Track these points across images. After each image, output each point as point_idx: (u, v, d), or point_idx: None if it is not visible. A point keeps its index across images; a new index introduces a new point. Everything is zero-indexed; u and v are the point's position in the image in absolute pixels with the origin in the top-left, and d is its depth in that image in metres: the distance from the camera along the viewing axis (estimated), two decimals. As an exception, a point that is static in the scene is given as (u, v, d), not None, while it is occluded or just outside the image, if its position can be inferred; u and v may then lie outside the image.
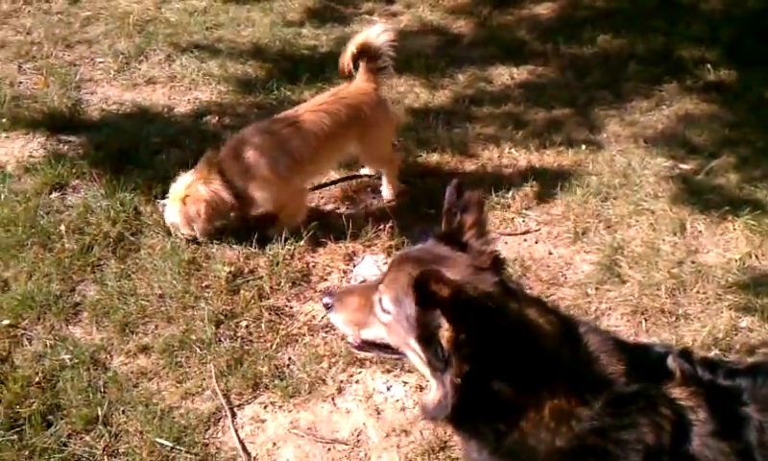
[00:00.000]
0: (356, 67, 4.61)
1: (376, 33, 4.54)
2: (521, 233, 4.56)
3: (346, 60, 4.56)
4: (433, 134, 5.43)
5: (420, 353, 2.11)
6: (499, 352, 2.01)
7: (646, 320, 3.91)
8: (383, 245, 4.33)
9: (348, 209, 4.78)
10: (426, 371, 2.14)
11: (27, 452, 3.25)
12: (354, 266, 4.24)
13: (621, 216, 4.61)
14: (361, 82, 4.63)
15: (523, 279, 4.16)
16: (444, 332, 1.97)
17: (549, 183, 4.91)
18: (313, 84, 5.96)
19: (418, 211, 4.66)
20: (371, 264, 4.20)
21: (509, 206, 4.73)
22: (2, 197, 4.72)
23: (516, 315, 2.09)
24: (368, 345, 2.39)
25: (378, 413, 3.39)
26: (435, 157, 5.17)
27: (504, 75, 6.29)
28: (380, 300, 2.24)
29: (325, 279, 4.17)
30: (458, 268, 2.14)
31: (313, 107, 4.53)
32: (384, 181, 4.83)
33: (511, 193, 4.82)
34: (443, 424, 2.63)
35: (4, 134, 5.38)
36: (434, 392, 2.12)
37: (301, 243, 4.32)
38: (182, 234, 4.36)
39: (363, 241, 4.37)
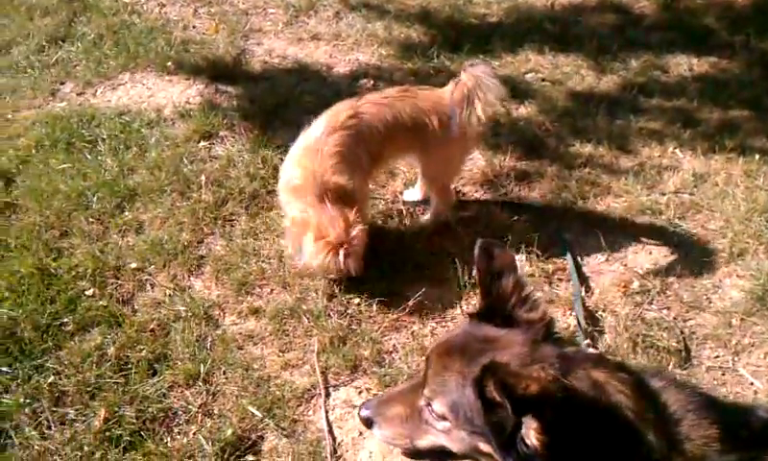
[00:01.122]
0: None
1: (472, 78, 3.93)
2: (670, 245, 4.18)
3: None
4: (592, 123, 5.10)
5: (497, 456, 1.88)
6: (580, 436, 1.75)
7: (792, 365, 3.49)
8: (516, 238, 4.11)
9: (480, 193, 4.58)
10: None
11: (128, 397, 3.36)
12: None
13: (786, 241, 4.13)
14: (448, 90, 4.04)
15: (661, 298, 3.82)
16: (532, 434, 1.73)
17: (710, 193, 4.47)
18: (474, 54, 5.73)
19: (563, 205, 4.39)
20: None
21: (660, 213, 4.35)
22: (152, 140, 4.89)
23: (588, 388, 1.80)
24: (423, 453, 2.17)
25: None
26: (588, 149, 4.84)
27: (682, 65, 5.78)
28: (430, 407, 2.00)
29: (446, 268, 4.01)
30: (512, 349, 1.88)
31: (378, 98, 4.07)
32: (431, 202, 4.31)
33: (666, 199, 4.43)
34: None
35: (167, 77, 5.57)
36: None
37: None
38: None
39: (495, 231, 4.17)
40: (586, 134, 4.97)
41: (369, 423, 2.21)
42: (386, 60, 5.89)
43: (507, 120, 5.15)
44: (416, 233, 4.19)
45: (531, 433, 1.72)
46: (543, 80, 5.64)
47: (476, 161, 4.74)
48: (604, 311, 3.74)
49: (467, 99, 3.89)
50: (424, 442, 2.09)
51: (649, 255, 4.10)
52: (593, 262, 4.06)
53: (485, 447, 1.89)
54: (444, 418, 1.97)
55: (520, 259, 3.95)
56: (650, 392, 1.87)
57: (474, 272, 3.79)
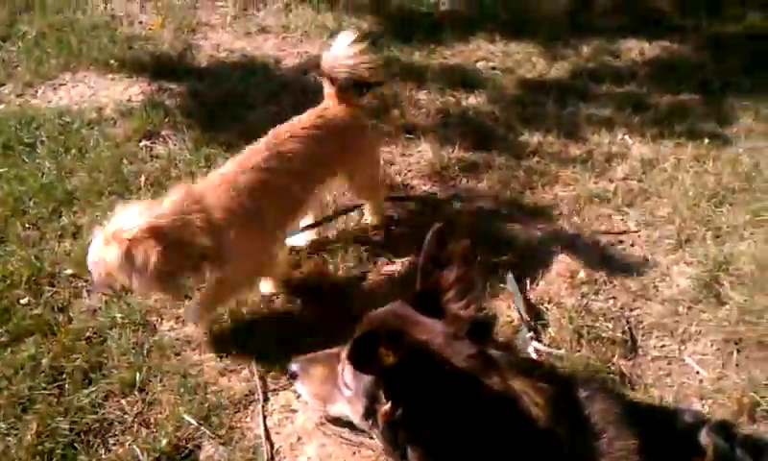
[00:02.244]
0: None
1: (333, 54, 3.79)
2: (617, 233, 4.15)
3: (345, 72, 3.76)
4: (542, 111, 5.06)
5: (377, 435, 1.82)
6: (472, 439, 1.68)
7: (739, 351, 3.45)
8: (461, 232, 4.04)
9: (428, 185, 4.50)
10: (390, 457, 1.85)
11: (62, 409, 3.24)
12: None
13: (734, 226, 4.11)
14: (332, 105, 3.81)
15: (608, 287, 3.78)
16: (382, 407, 1.69)
17: (658, 179, 4.44)
18: (425, 44, 5.67)
19: (511, 196, 4.32)
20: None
21: (608, 201, 4.31)
22: (92, 141, 4.76)
23: (494, 393, 1.73)
24: (336, 420, 2.12)
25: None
26: (537, 138, 4.79)
27: (633, 50, 5.77)
28: (342, 371, 1.96)
29: (393, 262, 3.94)
30: (428, 336, 1.81)
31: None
32: (368, 206, 4.19)
33: (613, 186, 4.40)
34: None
35: (110, 76, 5.45)
36: None
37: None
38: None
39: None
40: (535, 123, 4.93)
41: (293, 376, 2.22)
42: (335, 51, 5.79)
43: (456, 110, 5.09)
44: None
45: (380, 405, 1.72)
46: (494, 68, 5.60)
47: (424, 154, 4.67)
48: (549, 303, 3.67)
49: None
50: (334, 408, 2.07)
51: (596, 245, 4.06)
52: (540, 254, 4.00)
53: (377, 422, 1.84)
54: (347, 386, 1.92)
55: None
56: (571, 405, 1.80)
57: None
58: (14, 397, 3.30)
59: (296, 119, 3.70)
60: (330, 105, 3.80)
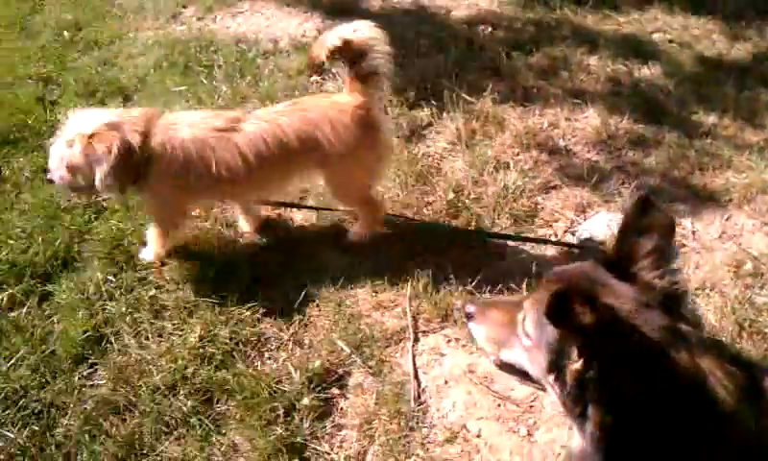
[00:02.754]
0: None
1: (356, 29, 3.37)
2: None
3: (320, 51, 3.38)
4: (718, 91, 4.85)
5: (556, 390, 1.82)
6: (653, 410, 1.65)
7: None
8: (623, 204, 3.95)
9: (592, 153, 4.41)
10: (566, 413, 1.82)
11: (224, 318, 3.43)
12: (585, 219, 3.93)
13: None
14: (344, 93, 3.52)
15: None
16: (572, 364, 1.69)
17: None
18: (599, 9, 5.53)
19: (679, 175, 4.20)
20: (602, 222, 3.86)
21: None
22: (266, 70, 4.92)
23: (681, 368, 1.67)
24: (507, 367, 2.12)
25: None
26: (712, 118, 4.60)
27: (824, 38, 5.42)
28: (524, 320, 1.93)
29: (549, 225, 3.91)
30: (618, 300, 1.76)
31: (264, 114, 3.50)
32: (360, 217, 3.87)
33: (792, 182, 4.18)
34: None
35: (286, 9, 5.59)
36: (576, 440, 1.81)
37: (536, 181, 4.08)
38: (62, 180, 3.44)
39: (602, 194, 4.03)
40: (711, 103, 4.73)
41: (469, 316, 2.20)
42: (506, 7, 5.75)
43: (627, 80, 4.95)
44: (521, 190, 4.08)
45: (571, 363, 1.69)
46: (671, 41, 5.41)
47: (590, 120, 4.58)
48: (711, 290, 3.56)
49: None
50: (509, 354, 2.04)
51: (766, 237, 3.89)
52: (705, 238, 3.87)
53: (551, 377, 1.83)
54: (528, 335, 1.91)
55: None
56: (759, 393, 1.73)
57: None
58: (182, 301, 3.51)
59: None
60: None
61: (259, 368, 3.25)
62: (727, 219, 3.97)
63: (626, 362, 1.64)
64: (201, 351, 3.29)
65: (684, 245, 3.79)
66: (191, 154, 3.35)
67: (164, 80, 4.94)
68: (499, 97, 4.66)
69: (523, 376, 2.03)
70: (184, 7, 5.71)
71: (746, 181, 4.16)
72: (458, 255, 3.69)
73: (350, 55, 3.37)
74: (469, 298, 2.35)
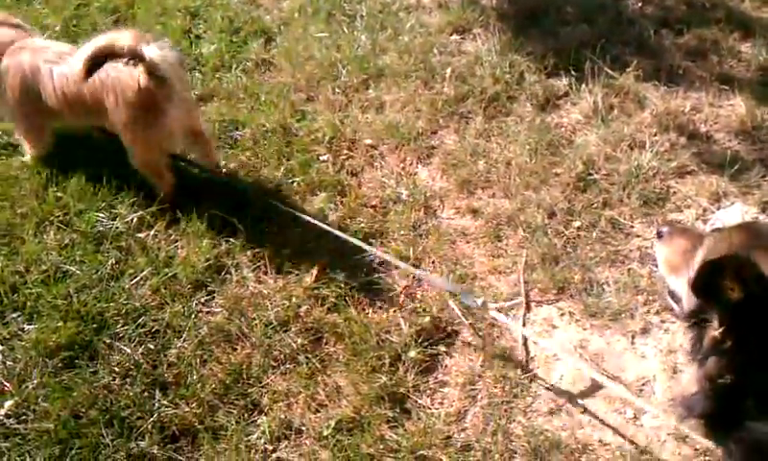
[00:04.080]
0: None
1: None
2: None
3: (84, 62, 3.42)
4: None
5: (694, 335, 1.80)
6: None
7: None
8: (761, 197, 3.77)
9: (734, 142, 4.20)
10: (690, 353, 1.83)
11: (341, 264, 3.50)
12: (719, 208, 3.77)
13: None
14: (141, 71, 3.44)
15: None
16: (712, 330, 1.64)
17: None
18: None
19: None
20: (737, 213, 3.70)
21: None
22: (407, 25, 4.93)
23: None
24: (671, 294, 2.10)
25: (674, 372, 3.05)
26: None
27: None
28: (698, 255, 1.93)
29: (680, 210, 3.77)
30: None
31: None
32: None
33: None
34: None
35: (434, -34, 5.56)
36: (686, 382, 1.81)
37: (672, 164, 3.93)
38: None
39: (740, 185, 3.85)
40: None
41: (659, 234, 2.25)
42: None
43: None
44: (654, 171, 3.95)
45: (711, 328, 1.69)
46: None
47: (735, 108, 4.36)
48: None
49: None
50: (675, 282, 2.09)
51: None
52: None
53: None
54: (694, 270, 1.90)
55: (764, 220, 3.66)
56: None
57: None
58: (302, 243, 3.61)
59: None
60: None
61: (370, 315, 3.31)
62: None
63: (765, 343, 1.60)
64: (315, 291, 3.38)
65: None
66: (26, 78, 3.72)
67: (307, 25, 5.03)
68: (642, 74, 4.49)
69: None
70: (333, -45, 5.77)
71: None
72: (577, 231, 3.63)
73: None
74: (668, 219, 2.39)
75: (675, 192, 3.86)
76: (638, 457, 2.79)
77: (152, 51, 3.36)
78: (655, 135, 4.14)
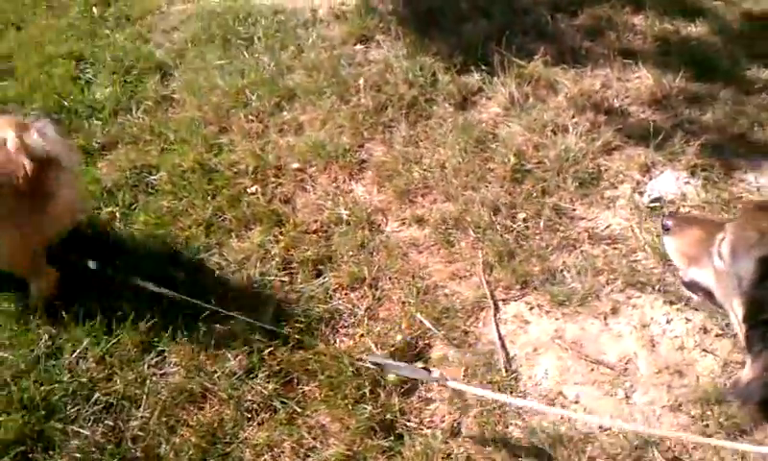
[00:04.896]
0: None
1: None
2: None
3: None
4: (769, 47, 4.74)
5: (741, 323, 1.78)
6: None
7: None
8: (688, 162, 3.86)
9: (648, 113, 4.31)
10: (743, 343, 1.81)
11: (295, 296, 3.36)
12: (651, 179, 3.84)
13: None
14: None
15: None
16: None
17: None
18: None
19: (738, 131, 4.10)
20: (670, 180, 3.79)
21: None
22: (309, 41, 4.81)
23: None
24: (694, 285, 2.09)
25: (653, 345, 3.07)
26: (766, 74, 4.50)
27: None
28: (722, 241, 1.91)
29: (615, 187, 3.81)
30: None
31: None
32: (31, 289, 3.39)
33: None
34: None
35: (321, -20, 5.46)
36: (746, 371, 1.80)
37: (597, 143, 3.98)
38: None
39: (666, 153, 3.94)
40: (763, 60, 4.62)
41: (665, 228, 2.22)
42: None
43: (676, 38, 4.84)
44: (583, 152, 3.99)
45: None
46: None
47: (643, 80, 4.48)
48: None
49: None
50: (698, 272, 2.06)
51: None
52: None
53: (738, 309, 1.82)
54: (722, 258, 1.90)
55: (696, 183, 3.75)
56: None
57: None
58: (248, 280, 3.43)
59: None
60: None
61: (338, 345, 3.18)
62: (790, 173, 3.90)
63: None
64: (276, 331, 3.22)
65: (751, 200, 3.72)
66: None
67: (204, 54, 4.83)
68: (550, 60, 4.55)
69: (707, 295, 2.06)
70: (215, -22, 5.58)
71: (808, 136, 4.08)
72: (524, 223, 3.62)
73: None
74: (670, 211, 2.37)
75: (606, 169, 3.91)
76: (637, 435, 2.79)
77: (33, 136, 3.06)
78: (573, 118, 4.20)
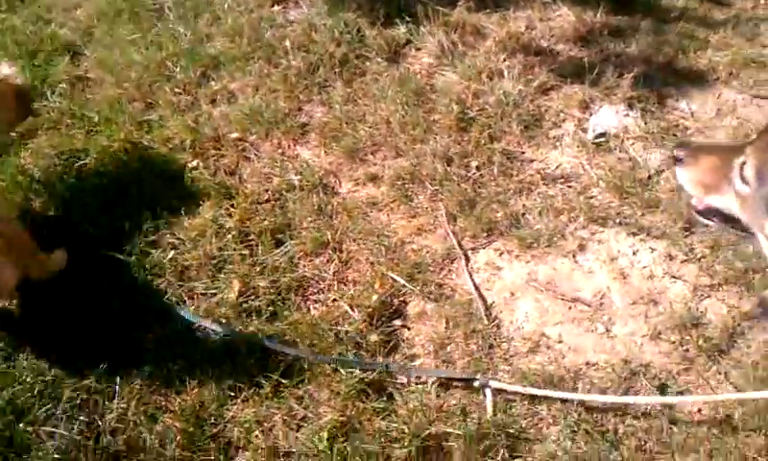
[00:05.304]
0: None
1: None
2: (773, 97, 4.05)
3: None
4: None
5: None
6: None
7: None
8: (624, 95, 3.94)
9: (575, 50, 4.36)
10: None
11: (258, 268, 3.25)
12: (591, 115, 3.90)
13: None
14: None
15: None
16: None
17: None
18: None
19: (664, 60, 4.21)
20: (610, 114, 3.86)
21: (765, 66, 4.19)
22: (225, 6, 4.62)
23: None
24: (711, 212, 2.10)
25: (624, 278, 3.14)
26: (681, 2, 4.62)
27: None
28: (742, 166, 1.89)
29: (558, 126, 3.85)
30: None
31: None
32: None
33: (768, 51, 4.28)
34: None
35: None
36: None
37: (533, 84, 4.00)
38: None
39: (601, 89, 4.00)
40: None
41: (677, 160, 2.17)
42: None
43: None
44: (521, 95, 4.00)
45: None
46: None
47: (565, 17, 4.52)
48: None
49: None
50: (718, 199, 2.05)
51: (759, 108, 3.97)
52: (704, 117, 3.91)
53: None
54: (747, 182, 1.88)
55: (635, 116, 3.84)
56: None
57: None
58: (207, 256, 3.30)
59: None
60: None
61: (312, 312, 3.11)
62: (718, 96, 4.03)
63: None
64: (244, 305, 3.12)
65: (686, 127, 3.83)
66: None
67: (114, 29, 4.56)
68: (473, 6, 4.52)
69: (728, 221, 2.05)
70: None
71: (728, 59, 4.21)
72: (478, 172, 3.62)
73: None
74: (680, 140, 2.32)
75: (547, 110, 3.95)
76: (623, 366, 2.85)
77: None
78: (505, 61, 4.19)
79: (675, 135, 3.76)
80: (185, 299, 3.18)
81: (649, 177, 3.54)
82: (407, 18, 4.47)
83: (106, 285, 3.18)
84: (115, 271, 3.24)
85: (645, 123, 3.81)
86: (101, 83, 4.25)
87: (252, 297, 3.15)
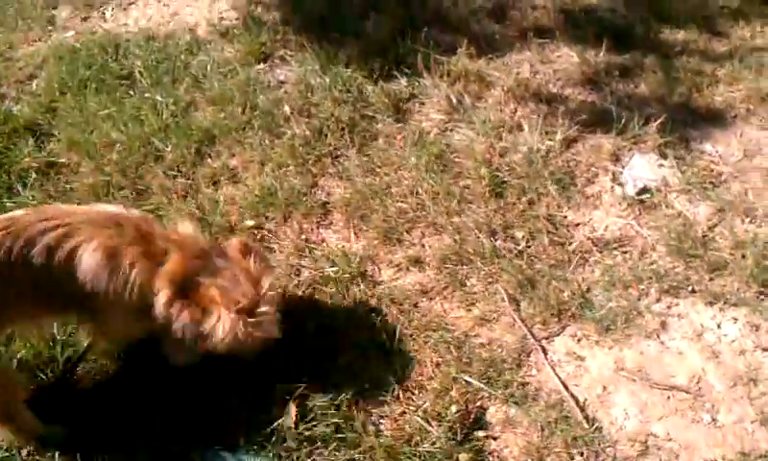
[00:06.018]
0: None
1: None
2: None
3: None
4: (668, 5, 4.70)
5: None
6: None
7: None
8: (654, 143, 3.73)
9: (585, 94, 4.13)
10: None
11: (311, 386, 2.85)
12: (623, 167, 3.68)
13: None
14: None
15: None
16: None
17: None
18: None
19: (680, 100, 4.03)
20: (644, 165, 3.65)
21: None
22: (208, 68, 4.18)
23: None
24: None
25: (716, 356, 2.90)
26: (681, 35, 4.47)
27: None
28: None
29: (593, 182, 3.62)
30: None
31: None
32: None
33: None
34: None
35: (183, -13, 4.79)
36: None
37: (557, 137, 3.75)
38: None
39: (628, 137, 3.78)
40: (670, 19, 4.58)
41: None
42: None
43: (576, 8, 4.68)
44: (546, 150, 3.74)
45: None
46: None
47: (567, 58, 4.30)
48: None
49: None
50: None
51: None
52: (731, 159, 3.73)
53: None
54: None
55: (670, 165, 3.64)
56: None
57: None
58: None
59: None
60: None
61: (383, 431, 2.75)
62: (741, 135, 3.88)
63: None
64: (306, 433, 2.72)
65: (720, 173, 3.65)
66: None
67: (80, 103, 4.04)
68: (474, 52, 4.25)
69: None
70: (54, 8, 4.71)
71: (742, 94, 4.07)
72: (526, 244, 3.34)
73: None
74: None
75: (577, 164, 3.71)
76: (743, 460, 2.62)
77: None
78: (515, 112, 3.96)
79: (713, 184, 3.58)
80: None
81: (704, 235, 3.33)
82: (405, 70, 4.17)
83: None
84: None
85: (682, 172, 3.61)
86: (76, 168, 3.75)
87: (313, 422, 2.75)
